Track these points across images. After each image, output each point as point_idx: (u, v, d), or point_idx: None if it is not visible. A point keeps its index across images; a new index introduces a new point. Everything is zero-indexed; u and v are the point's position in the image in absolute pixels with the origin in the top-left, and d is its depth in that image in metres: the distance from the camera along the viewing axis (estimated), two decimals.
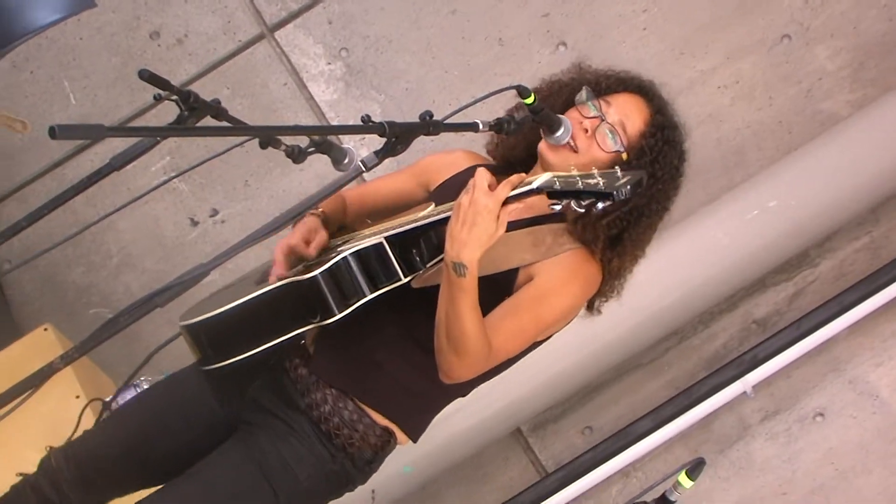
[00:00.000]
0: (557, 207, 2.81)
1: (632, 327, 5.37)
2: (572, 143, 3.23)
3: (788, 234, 5.51)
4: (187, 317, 3.22)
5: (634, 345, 5.51)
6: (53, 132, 2.23)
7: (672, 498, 3.64)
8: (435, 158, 3.60)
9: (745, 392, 5.47)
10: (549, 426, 5.75)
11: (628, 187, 2.70)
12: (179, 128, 2.65)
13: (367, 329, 3.26)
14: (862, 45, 5.82)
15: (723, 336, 5.75)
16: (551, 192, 2.81)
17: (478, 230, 2.89)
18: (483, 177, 2.93)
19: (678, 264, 5.39)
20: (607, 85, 3.39)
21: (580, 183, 2.76)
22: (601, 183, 2.73)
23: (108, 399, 3.62)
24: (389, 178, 3.64)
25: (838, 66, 5.83)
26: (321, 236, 3.32)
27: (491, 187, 2.91)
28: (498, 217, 2.89)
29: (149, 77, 2.55)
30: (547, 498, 5.43)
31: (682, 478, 3.55)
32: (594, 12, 5.88)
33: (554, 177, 2.83)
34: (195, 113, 2.72)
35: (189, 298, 2.97)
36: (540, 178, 2.85)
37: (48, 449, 3.53)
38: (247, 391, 3.40)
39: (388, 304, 3.13)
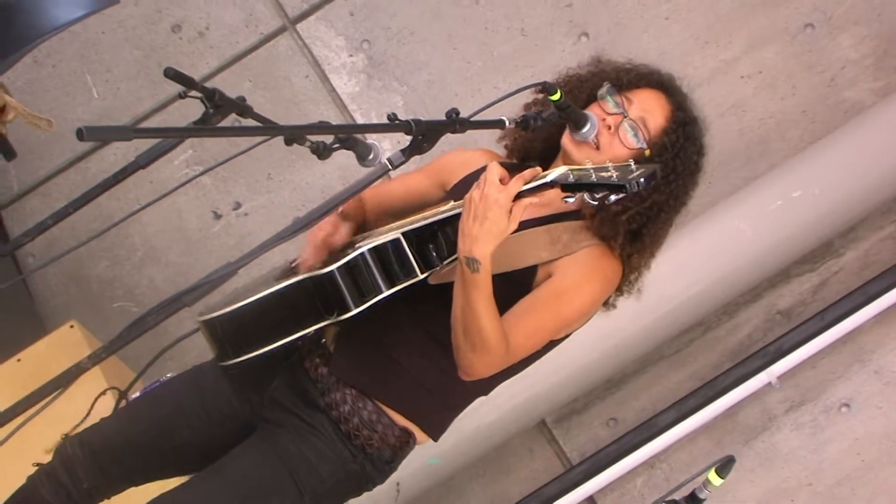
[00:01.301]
0: (571, 200, 2.83)
1: (656, 319, 5.36)
2: (595, 140, 3.23)
3: (813, 225, 5.48)
4: (206, 312, 3.22)
5: (658, 336, 5.49)
6: (81, 134, 2.23)
7: (702, 496, 3.62)
8: (451, 157, 3.60)
9: (770, 383, 5.44)
10: (574, 418, 5.74)
11: (641, 179, 2.71)
12: (206, 128, 2.64)
13: (386, 328, 3.27)
14: (885, 32, 5.78)
15: (747, 327, 5.72)
16: (565, 185, 2.82)
17: (489, 224, 2.90)
18: (494, 171, 2.93)
19: (702, 255, 5.37)
20: (628, 80, 3.39)
21: (594, 175, 2.77)
22: (614, 175, 2.74)
23: (124, 389, 3.62)
24: (407, 178, 3.65)
25: (862, 55, 5.80)
26: (345, 228, 3.33)
27: (503, 181, 2.92)
28: (510, 212, 2.89)
29: (174, 75, 2.54)
30: (572, 490, 5.42)
31: (712, 475, 3.54)
32: (616, 2, 5.86)
33: (569, 170, 2.85)
34: (220, 111, 2.71)
35: (214, 295, 2.97)
36: (554, 172, 2.87)
37: (63, 437, 3.54)
38: (266, 389, 3.40)
39: (407, 302, 3.14)
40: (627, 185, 2.70)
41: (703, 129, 3.39)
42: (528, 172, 2.93)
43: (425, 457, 3.48)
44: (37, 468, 3.55)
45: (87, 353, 4.41)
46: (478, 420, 5.22)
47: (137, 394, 4.00)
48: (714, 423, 5.51)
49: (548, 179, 2.86)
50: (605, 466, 5.45)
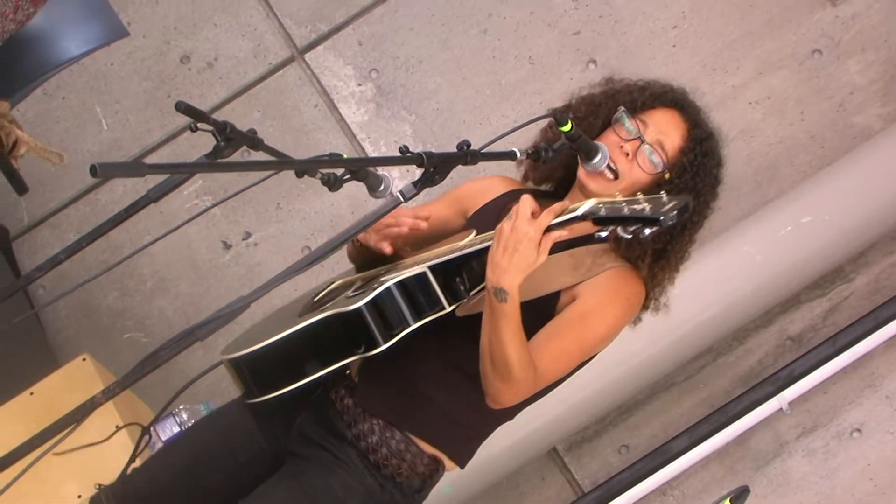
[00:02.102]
0: (604, 234, 2.80)
1: (666, 345, 5.36)
2: (613, 167, 3.23)
3: (822, 250, 5.48)
4: (230, 350, 3.22)
5: (669, 362, 5.49)
6: (94, 171, 2.23)
7: None
8: (471, 185, 3.61)
9: (781, 409, 5.44)
10: (585, 445, 5.73)
11: (674, 213, 2.69)
12: (218, 164, 2.65)
13: (411, 359, 3.26)
14: (893, 58, 5.79)
15: (758, 353, 5.72)
16: (596, 219, 2.80)
17: (518, 257, 2.90)
18: (527, 204, 2.93)
19: (712, 281, 5.37)
20: (642, 101, 3.40)
21: (626, 209, 2.75)
22: (647, 209, 2.72)
23: (146, 426, 3.63)
24: (428, 207, 3.64)
25: (870, 80, 5.80)
26: (423, 225, 3.35)
27: (534, 214, 2.92)
28: (539, 244, 2.89)
29: (185, 109, 2.54)
30: None
31: None
32: (624, 29, 5.87)
33: (599, 203, 2.83)
34: (231, 143, 2.71)
35: (229, 328, 2.96)
36: (584, 206, 2.85)
37: (98, 487, 3.55)
38: (292, 423, 3.40)
39: (433, 333, 3.12)
40: (662, 219, 2.67)
41: (720, 142, 3.41)
42: (557, 206, 2.93)
43: (440, 485, 3.49)
44: None
45: (99, 385, 4.47)
46: (490, 448, 5.17)
47: (160, 443, 4.02)
48: (726, 449, 5.51)
49: (577, 213, 2.85)
50: (617, 494, 5.44)
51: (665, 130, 3.34)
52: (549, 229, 2.90)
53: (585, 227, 2.88)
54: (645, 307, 3.38)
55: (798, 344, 5.68)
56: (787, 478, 5.55)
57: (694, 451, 5.42)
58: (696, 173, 3.30)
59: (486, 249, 3.02)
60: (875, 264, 5.72)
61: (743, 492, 3.54)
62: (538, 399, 3.36)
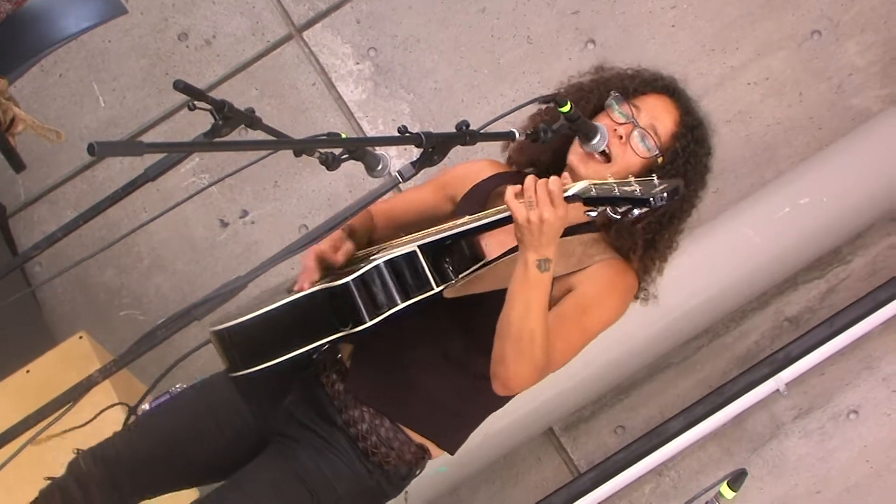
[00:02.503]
0: (594, 214, 2.81)
1: (663, 326, 5.36)
2: (606, 150, 3.23)
3: (820, 231, 5.48)
4: (218, 323, 3.22)
5: (666, 344, 5.49)
6: (92, 149, 2.23)
7: None
8: (459, 169, 3.62)
9: (778, 390, 5.44)
10: (582, 426, 5.74)
11: (665, 194, 2.71)
12: (217, 143, 2.64)
13: (402, 346, 3.28)
14: (893, 39, 5.78)
15: (755, 334, 5.72)
16: (587, 200, 2.81)
17: (552, 232, 2.90)
18: (543, 187, 2.91)
19: (709, 263, 5.36)
20: (633, 87, 3.40)
21: (616, 190, 2.77)
22: (638, 190, 2.74)
23: (133, 405, 3.62)
24: (415, 192, 3.65)
25: (869, 62, 5.79)
26: (348, 246, 3.32)
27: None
28: (563, 215, 2.90)
29: (183, 87, 2.53)
30: (580, 497, 5.41)
31: (724, 488, 3.54)
32: (623, 9, 5.86)
33: (591, 184, 2.84)
34: (229, 122, 2.69)
35: (225, 307, 2.96)
36: (576, 186, 2.86)
37: (76, 452, 3.53)
38: (281, 402, 3.41)
39: (424, 319, 3.14)
40: (651, 200, 2.70)
41: (710, 130, 3.41)
42: (560, 180, 2.92)
43: (434, 465, 3.50)
44: (48, 482, 3.54)
45: (95, 364, 4.47)
46: (486, 428, 5.16)
47: (147, 406, 4.01)
48: (722, 430, 5.51)
49: (569, 193, 2.86)
50: (613, 474, 5.44)
51: (657, 115, 3.34)
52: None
53: (577, 215, 2.91)
54: (635, 297, 3.38)
55: (795, 325, 5.68)
56: (784, 459, 5.54)
57: (690, 433, 5.42)
58: (687, 160, 3.31)
59: (475, 230, 3.07)
60: (872, 246, 5.71)
61: (741, 474, 3.54)
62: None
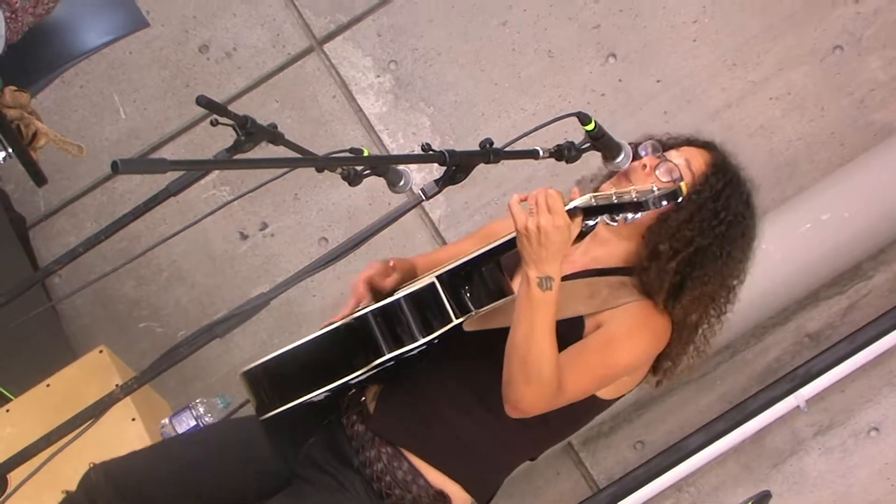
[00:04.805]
0: (591, 223, 2.87)
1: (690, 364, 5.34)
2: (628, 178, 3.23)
3: (841, 247, 5.47)
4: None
5: None
6: (116, 167, 2.22)
7: None
8: (501, 222, 3.54)
9: (798, 406, 5.42)
10: (601, 441, 5.72)
11: (662, 198, 2.76)
12: (239, 161, 2.64)
13: (426, 384, 3.27)
14: None
15: (775, 350, 5.70)
16: (587, 210, 2.86)
17: (554, 246, 2.89)
18: (542, 196, 2.91)
19: None
20: (668, 141, 3.38)
21: (614, 197, 2.81)
22: (634, 196, 2.78)
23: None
24: (459, 244, 3.62)
25: (891, 77, 5.78)
26: (396, 276, 3.30)
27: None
28: (568, 226, 2.89)
29: (206, 103, 2.52)
30: None
31: None
32: (644, 23, 5.85)
33: (592, 196, 2.88)
34: (251, 138, 2.69)
35: (247, 327, 2.96)
36: (578, 199, 2.90)
37: (90, 465, 3.53)
38: (303, 445, 3.38)
39: (450, 356, 3.16)
40: (645, 202, 2.74)
41: (752, 188, 3.37)
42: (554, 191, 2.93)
43: None
44: (64, 494, 3.54)
45: (115, 377, 4.47)
46: None
47: (167, 421, 4.02)
48: (742, 446, 5.49)
49: (570, 206, 2.88)
50: (632, 490, 5.42)
51: (690, 157, 3.31)
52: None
53: (606, 258, 3.08)
54: (667, 356, 3.33)
55: (816, 342, 5.66)
56: (804, 476, 5.53)
57: (710, 448, 5.40)
58: (715, 196, 3.25)
59: (490, 254, 3.09)
60: (894, 262, 5.70)
61: (764, 496, 3.51)
62: (561, 438, 3.47)
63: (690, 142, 3.39)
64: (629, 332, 3.17)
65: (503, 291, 3.21)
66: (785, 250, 5.39)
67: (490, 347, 3.12)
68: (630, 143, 3.28)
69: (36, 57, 4.22)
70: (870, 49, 5.79)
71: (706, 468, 5.50)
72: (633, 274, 3.23)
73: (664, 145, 3.34)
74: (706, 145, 3.39)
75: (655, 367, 3.36)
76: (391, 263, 3.35)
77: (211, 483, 3.44)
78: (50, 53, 4.26)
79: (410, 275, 3.45)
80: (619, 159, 3.16)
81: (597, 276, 3.26)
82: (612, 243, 3.31)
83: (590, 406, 3.30)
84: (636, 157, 3.27)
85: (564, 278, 2.99)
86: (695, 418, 5.58)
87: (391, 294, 3.09)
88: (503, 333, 3.08)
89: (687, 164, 3.27)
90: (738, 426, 5.41)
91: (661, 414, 5.69)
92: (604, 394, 3.29)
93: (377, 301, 3.17)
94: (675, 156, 3.29)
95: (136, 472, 3.49)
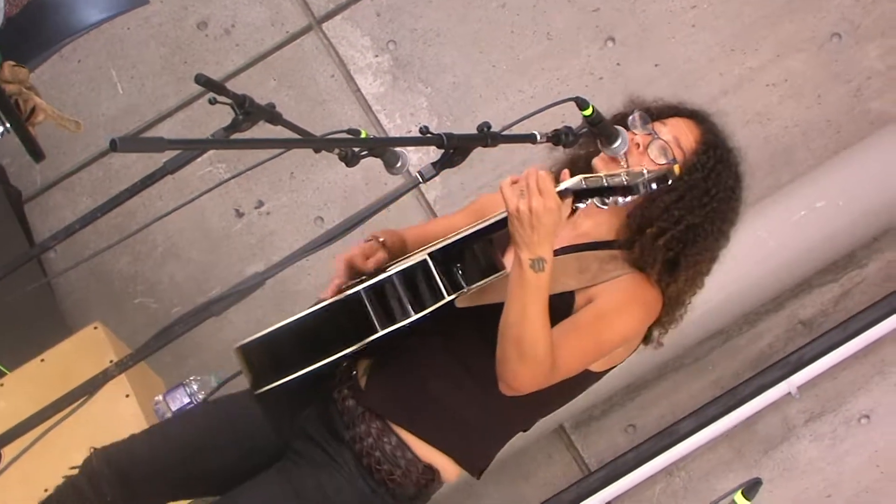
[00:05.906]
0: (581, 205, 2.88)
1: (677, 327, 5.34)
2: (624, 159, 3.22)
3: (835, 235, 5.48)
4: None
5: (679, 344, 5.46)
6: (114, 145, 2.23)
7: None
8: (492, 196, 3.56)
9: (790, 393, 5.44)
10: (593, 424, 5.74)
11: (652, 182, 2.79)
12: (237, 140, 2.63)
13: (417, 357, 3.26)
14: None
15: (768, 336, 5.71)
16: (578, 193, 2.86)
17: (545, 228, 2.89)
18: (533, 177, 2.91)
19: (723, 265, 5.31)
20: (657, 110, 3.38)
21: (605, 180, 2.82)
22: (624, 179, 2.79)
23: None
24: (449, 218, 3.64)
25: (888, 66, 5.78)
26: (380, 255, 3.30)
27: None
28: (559, 207, 2.89)
29: (205, 82, 2.52)
30: (590, 496, 5.41)
31: (739, 497, 3.53)
32: (643, 7, 5.85)
33: (582, 178, 2.87)
34: (250, 117, 2.69)
35: (241, 305, 2.96)
36: (568, 182, 2.89)
37: (91, 450, 3.54)
38: (297, 418, 3.39)
39: (442, 331, 3.16)
40: (636, 186, 2.77)
41: (740, 158, 3.37)
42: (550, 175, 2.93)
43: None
44: (65, 478, 3.54)
45: (110, 354, 4.47)
46: None
47: (169, 413, 4.02)
48: (733, 432, 5.51)
49: (561, 188, 2.88)
50: (623, 473, 5.43)
51: (680, 133, 3.32)
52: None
53: (598, 233, 3.04)
54: (660, 324, 3.36)
55: (809, 329, 5.67)
56: (795, 462, 5.54)
57: (702, 433, 5.41)
58: (707, 175, 3.27)
59: (482, 232, 3.08)
60: (888, 251, 5.71)
61: (755, 483, 3.52)
62: (553, 408, 3.43)
63: (678, 111, 3.40)
64: (620, 307, 3.18)
65: (495, 267, 3.21)
66: (779, 237, 5.41)
67: (481, 323, 3.13)
68: (616, 115, 3.31)
69: (35, 32, 4.21)
70: (868, 37, 5.79)
71: (697, 453, 5.51)
72: (622, 248, 3.25)
73: (651, 113, 3.34)
74: (694, 115, 3.39)
75: (646, 338, 3.39)
76: (381, 239, 3.35)
77: (209, 461, 3.44)
78: (49, 28, 4.26)
79: (400, 249, 3.45)
80: (616, 145, 3.16)
81: (586, 250, 3.26)
82: (601, 216, 3.29)
83: (582, 378, 3.30)
84: (628, 127, 3.28)
85: (554, 253, 2.99)
86: (687, 403, 5.59)
87: (384, 270, 3.09)
88: (495, 309, 3.08)
89: (676, 142, 3.29)
90: (730, 412, 5.43)
91: (653, 398, 5.71)
92: (596, 366, 3.30)
93: (355, 280, 3.19)
94: (664, 131, 3.30)
95: (138, 455, 3.49)
